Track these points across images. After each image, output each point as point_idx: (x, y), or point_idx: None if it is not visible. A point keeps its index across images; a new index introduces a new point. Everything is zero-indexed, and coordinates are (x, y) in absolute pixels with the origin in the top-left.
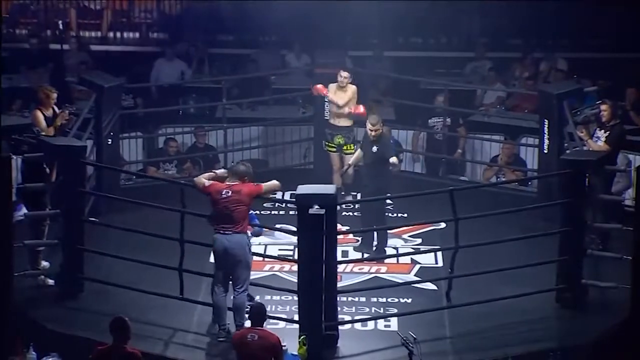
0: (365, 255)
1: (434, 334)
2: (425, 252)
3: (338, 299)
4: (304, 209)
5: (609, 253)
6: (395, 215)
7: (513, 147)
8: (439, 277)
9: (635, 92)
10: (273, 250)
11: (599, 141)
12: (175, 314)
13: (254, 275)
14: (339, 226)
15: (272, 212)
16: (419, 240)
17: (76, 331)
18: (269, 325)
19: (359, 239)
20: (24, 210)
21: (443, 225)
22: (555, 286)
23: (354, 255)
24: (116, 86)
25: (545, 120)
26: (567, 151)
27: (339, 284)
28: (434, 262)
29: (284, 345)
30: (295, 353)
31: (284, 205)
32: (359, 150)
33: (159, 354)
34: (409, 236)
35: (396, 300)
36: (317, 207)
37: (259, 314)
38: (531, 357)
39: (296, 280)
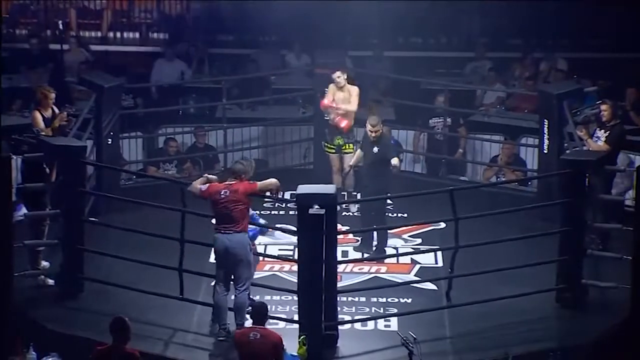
0: (365, 255)
1: (434, 334)
2: (425, 252)
3: (338, 298)
4: (304, 209)
5: (609, 253)
6: (395, 215)
7: (513, 147)
8: (439, 277)
9: (635, 92)
10: (273, 250)
11: (599, 141)
12: (175, 314)
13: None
14: (339, 226)
15: (272, 212)
16: (419, 240)
17: (76, 331)
18: (269, 326)
19: (359, 239)
20: (24, 210)
21: (443, 225)
22: (555, 286)
23: (354, 255)
24: (116, 86)
25: (545, 120)
26: (567, 151)
27: (339, 284)
28: (434, 262)
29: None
30: (295, 353)
31: (284, 205)
32: (359, 150)
33: (159, 354)
34: (409, 236)
35: (396, 300)
36: (317, 207)
37: (261, 313)
38: (531, 357)
39: (296, 280)
